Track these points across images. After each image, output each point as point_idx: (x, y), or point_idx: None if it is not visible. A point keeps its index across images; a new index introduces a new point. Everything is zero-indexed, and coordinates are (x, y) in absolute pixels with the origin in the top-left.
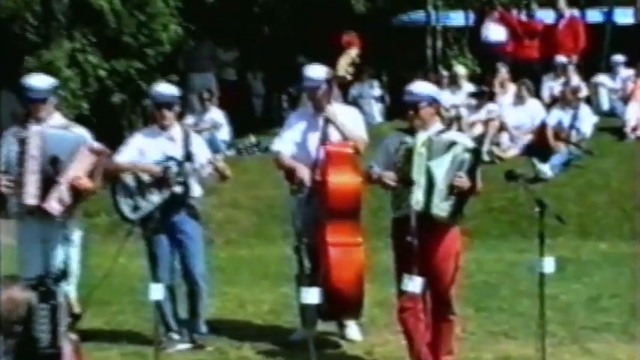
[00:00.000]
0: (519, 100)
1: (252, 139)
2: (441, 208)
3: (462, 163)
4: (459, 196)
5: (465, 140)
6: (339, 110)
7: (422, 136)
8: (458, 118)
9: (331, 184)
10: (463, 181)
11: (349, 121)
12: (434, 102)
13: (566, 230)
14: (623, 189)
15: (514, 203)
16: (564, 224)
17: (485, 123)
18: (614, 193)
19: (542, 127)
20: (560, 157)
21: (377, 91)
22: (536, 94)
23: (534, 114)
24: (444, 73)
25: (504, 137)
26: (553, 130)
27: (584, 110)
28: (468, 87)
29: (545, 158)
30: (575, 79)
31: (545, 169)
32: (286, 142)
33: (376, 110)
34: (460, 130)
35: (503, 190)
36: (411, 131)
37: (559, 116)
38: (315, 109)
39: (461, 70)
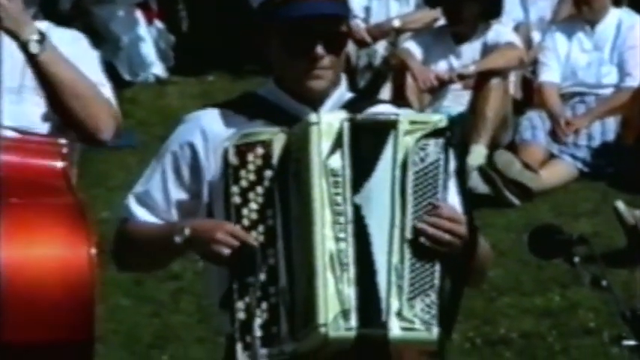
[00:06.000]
0: None
1: None
2: (413, 320)
3: (433, 175)
4: (452, 273)
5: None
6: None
7: (325, 118)
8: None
9: (6, 266)
10: (457, 221)
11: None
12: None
13: None
14: None
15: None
16: None
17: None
18: None
19: None
20: None
21: None
22: None
23: None
24: None
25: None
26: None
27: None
28: None
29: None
30: None
31: None
32: None
33: (150, 50)
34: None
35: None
36: (258, 109)
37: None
38: None
39: None
